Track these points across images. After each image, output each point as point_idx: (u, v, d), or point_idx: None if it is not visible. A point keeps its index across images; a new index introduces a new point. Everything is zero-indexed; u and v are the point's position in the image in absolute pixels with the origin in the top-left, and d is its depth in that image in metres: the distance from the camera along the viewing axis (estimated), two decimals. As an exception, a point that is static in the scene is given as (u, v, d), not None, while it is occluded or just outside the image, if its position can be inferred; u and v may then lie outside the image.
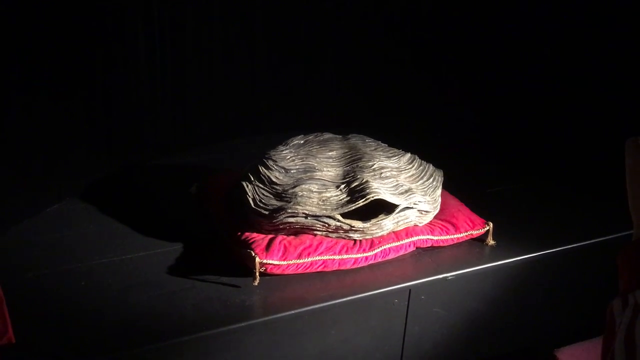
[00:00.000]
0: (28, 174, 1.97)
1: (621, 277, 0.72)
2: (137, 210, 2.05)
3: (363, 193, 1.71)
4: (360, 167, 1.82)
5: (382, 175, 1.80)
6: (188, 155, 2.53)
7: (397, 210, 1.75)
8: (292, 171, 1.81)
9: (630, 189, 0.77)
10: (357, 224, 1.71)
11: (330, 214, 1.69)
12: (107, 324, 1.48)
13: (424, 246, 1.84)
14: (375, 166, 1.83)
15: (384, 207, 1.75)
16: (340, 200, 1.72)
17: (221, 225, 1.88)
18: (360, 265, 1.73)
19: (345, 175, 1.81)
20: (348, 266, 1.72)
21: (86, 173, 2.22)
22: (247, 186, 1.79)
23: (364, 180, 1.74)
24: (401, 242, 1.78)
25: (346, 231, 1.72)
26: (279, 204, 1.71)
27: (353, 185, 1.75)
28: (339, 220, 1.70)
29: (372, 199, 1.71)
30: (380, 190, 1.74)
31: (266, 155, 1.89)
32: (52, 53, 1.96)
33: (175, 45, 2.42)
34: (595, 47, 2.25)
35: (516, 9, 2.49)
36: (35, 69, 1.92)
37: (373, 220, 1.73)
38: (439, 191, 1.90)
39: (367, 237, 1.75)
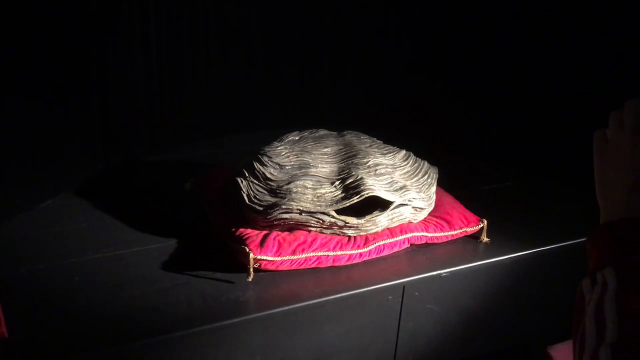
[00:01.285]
0: (23, 168, 1.96)
1: (590, 259, 0.77)
2: (132, 206, 2.05)
3: (358, 190, 1.71)
4: (355, 163, 1.82)
5: (377, 172, 1.81)
6: (183, 151, 2.53)
7: (391, 207, 1.75)
8: (286, 167, 1.81)
9: (597, 179, 0.81)
10: (352, 220, 1.71)
11: (324, 210, 1.69)
12: (101, 319, 1.48)
13: (418, 243, 1.84)
14: (370, 163, 1.83)
15: (379, 204, 1.75)
16: (335, 196, 1.73)
17: (216, 221, 1.88)
18: (354, 262, 1.73)
19: (340, 171, 1.81)
20: (342, 262, 1.72)
21: (81, 168, 2.22)
22: (242, 182, 1.79)
23: (359, 177, 1.74)
24: (395, 239, 1.78)
25: (340, 227, 1.72)
26: (273, 200, 1.71)
27: (348, 182, 1.75)
28: (333, 217, 1.70)
29: (367, 195, 1.71)
30: (375, 187, 1.74)
31: (261, 151, 1.89)
32: (47, 48, 1.96)
33: (171, 41, 2.42)
34: (593, 43, 2.25)
35: (515, 7, 2.49)
36: (30, 63, 1.92)
37: (367, 217, 1.73)
38: (433, 188, 1.90)
39: (362, 233, 1.75)
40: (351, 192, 1.72)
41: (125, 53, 2.29)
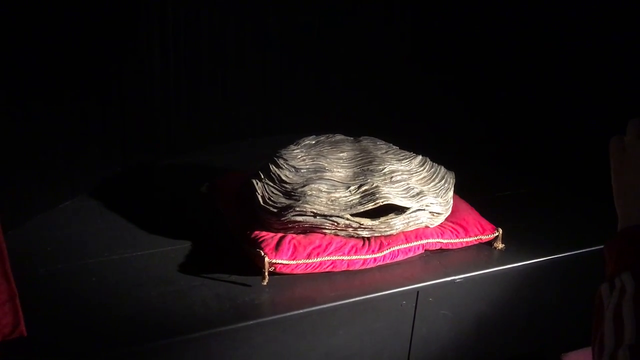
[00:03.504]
0: (42, 170, 1.99)
1: (608, 265, 0.77)
2: (149, 208, 2.07)
3: (373, 197, 1.72)
4: (371, 170, 1.83)
5: (393, 179, 1.81)
6: (200, 155, 2.55)
7: (408, 212, 1.76)
8: (302, 170, 1.82)
9: (615, 186, 0.82)
10: (366, 221, 1.72)
11: (338, 214, 1.70)
12: (117, 319, 1.50)
13: (433, 249, 1.85)
14: (385, 170, 1.83)
15: (396, 207, 1.76)
16: (349, 201, 1.73)
17: (231, 224, 1.90)
18: (368, 266, 1.74)
19: (355, 176, 1.81)
20: (357, 267, 1.72)
21: (99, 171, 2.24)
22: (257, 184, 1.81)
23: (374, 185, 1.75)
24: (410, 245, 1.79)
25: (355, 229, 1.73)
26: (287, 202, 1.72)
27: (363, 189, 1.75)
28: (347, 219, 1.70)
29: (382, 204, 1.72)
30: (391, 195, 1.74)
31: (277, 154, 1.90)
32: (68, 52, 1.99)
33: (189, 46, 2.44)
34: (610, 51, 2.24)
35: (529, 13, 2.49)
36: (52, 67, 1.94)
37: (382, 219, 1.74)
38: (451, 193, 1.90)
39: (376, 234, 1.75)
40: (366, 199, 1.73)
41: (143, 58, 2.31)
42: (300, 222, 1.70)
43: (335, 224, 1.71)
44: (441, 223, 1.88)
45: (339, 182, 1.79)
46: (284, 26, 2.69)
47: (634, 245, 0.74)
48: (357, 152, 1.93)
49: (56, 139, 2.01)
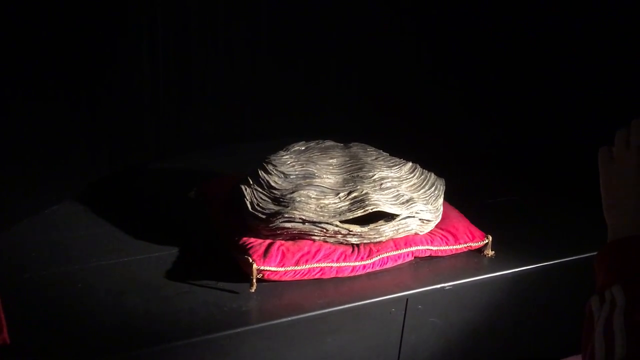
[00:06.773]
0: (28, 174, 1.97)
1: (598, 277, 0.78)
2: (136, 213, 2.05)
3: (362, 204, 1.71)
4: (361, 177, 1.82)
5: (383, 186, 1.80)
6: (188, 159, 2.53)
7: (397, 219, 1.75)
8: (291, 176, 1.80)
9: (604, 197, 0.81)
10: (355, 228, 1.71)
11: (327, 221, 1.69)
12: (103, 326, 1.48)
13: (423, 256, 1.84)
14: (375, 177, 1.82)
15: (385, 215, 1.75)
16: (338, 208, 1.72)
17: (220, 229, 1.88)
18: (358, 274, 1.72)
19: (345, 183, 1.80)
20: (346, 274, 1.71)
21: (86, 175, 2.22)
22: (246, 189, 1.79)
23: (364, 192, 1.74)
24: (400, 252, 1.78)
25: (344, 235, 1.72)
26: (276, 208, 1.71)
27: (352, 196, 1.74)
28: (337, 225, 1.69)
29: (371, 211, 1.71)
30: (380, 202, 1.73)
31: (266, 160, 1.89)
32: (54, 53, 1.97)
33: (178, 48, 2.43)
34: (602, 60, 2.25)
35: (525, 17, 2.50)
36: (38, 69, 1.92)
37: (372, 225, 1.73)
38: (441, 200, 1.89)
39: (365, 241, 1.74)
40: (356, 205, 1.72)
41: (131, 60, 2.30)
42: (288, 228, 1.69)
43: (324, 230, 1.70)
44: (431, 230, 1.87)
45: (328, 188, 1.78)
46: (274, 29, 2.68)
47: (624, 258, 0.74)
48: (347, 159, 1.92)
49: (42, 142, 1.99)
